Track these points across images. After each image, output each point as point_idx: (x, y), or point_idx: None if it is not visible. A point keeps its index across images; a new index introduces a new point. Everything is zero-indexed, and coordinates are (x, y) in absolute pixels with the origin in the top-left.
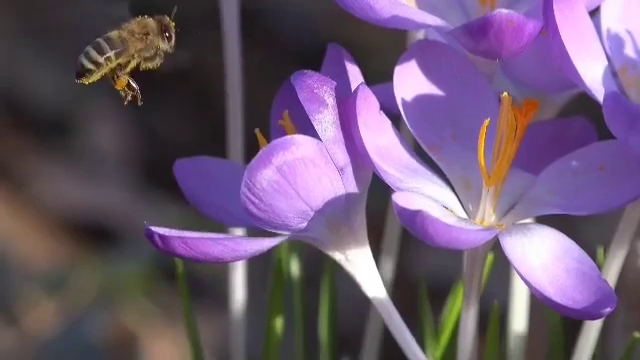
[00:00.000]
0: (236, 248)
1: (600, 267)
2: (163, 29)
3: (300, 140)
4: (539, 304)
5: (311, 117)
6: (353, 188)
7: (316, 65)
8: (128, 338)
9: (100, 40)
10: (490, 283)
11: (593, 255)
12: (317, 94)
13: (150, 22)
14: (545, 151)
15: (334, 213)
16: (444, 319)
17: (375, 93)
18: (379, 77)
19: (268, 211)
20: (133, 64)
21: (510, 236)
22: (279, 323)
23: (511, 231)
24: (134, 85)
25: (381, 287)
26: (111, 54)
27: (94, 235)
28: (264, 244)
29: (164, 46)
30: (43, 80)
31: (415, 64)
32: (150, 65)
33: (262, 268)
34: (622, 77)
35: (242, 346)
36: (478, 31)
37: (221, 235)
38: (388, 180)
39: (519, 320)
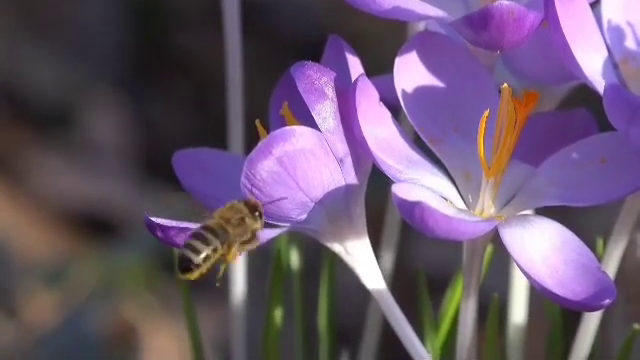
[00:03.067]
0: None
1: (600, 259)
2: (253, 209)
3: (300, 131)
4: (539, 296)
5: (310, 108)
6: (353, 179)
7: (316, 57)
8: (128, 330)
9: (201, 231)
10: (490, 275)
11: (593, 247)
12: (316, 85)
13: (240, 206)
14: (545, 143)
15: (334, 204)
16: (443, 311)
17: (375, 84)
18: (379, 68)
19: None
20: (234, 251)
21: (509, 227)
22: (278, 315)
23: (510, 222)
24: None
25: (380, 279)
26: (217, 244)
27: (94, 227)
28: (264, 235)
29: (257, 226)
30: (43, 73)
31: (415, 55)
32: (247, 247)
33: (262, 260)
34: (623, 69)
35: (242, 337)
36: (479, 22)
37: None
38: (387, 171)
39: (518, 312)
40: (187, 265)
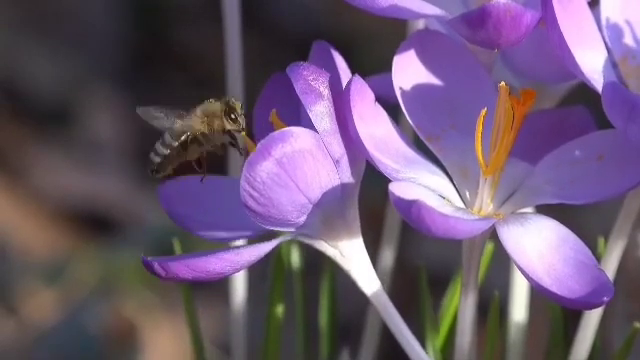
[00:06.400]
0: (236, 260)
1: (600, 257)
2: (228, 111)
3: (298, 132)
4: (539, 294)
5: (307, 109)
6: (348, 180)
7: None
8: (128, 328)
9: (165, 134)
10: (490, 272)
11: (593, 245)
12: (313, 86)
13: (214, 105)
14: (543, 140)
15: (330, 206)
16: (444, 308)
17: (373, 83)
18: (378, 66)
19: (268, 205)
20: (201, 148)
21: (507, 226)
22: (279, 313)
23: (508, 221)
24: (203, 164)
25: (376, 281)
26: (175, 144)
27: (93, 224)
28: (262, 249)
29: (232, 127)
30: (43, 69)
31: (414, 54)
32: (218, 147)
33: (262, 259)
34: (621, 67)
35: (242, 336)
36: (476, 21)
37: (218, 249)
38: (385, 170)
39: (519, 310)
40: (152, 167)
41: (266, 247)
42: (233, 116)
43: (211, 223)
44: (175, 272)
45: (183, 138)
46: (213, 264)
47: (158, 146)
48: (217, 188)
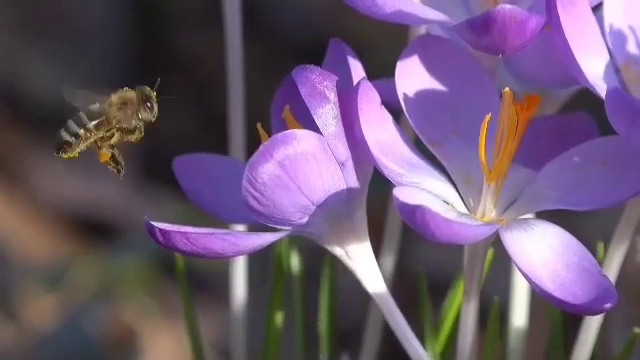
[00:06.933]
0: (237, 243)
1: (600, 263)
2: (144, 99)
3: (301, 134)
4: (539, 299)
5: (312, 112)
6: (354, 183)
7: (317, 59)
8: (127, 333)
9: (80, 113)
10: (490, 279)
11: (593, 251)
12: (319, 89)
13: (130, 93)
14: (546, 146)
15: (335, 208)
16: (444, 314)
17: (376, 88)
18: (381, 71)
19: (269, 206)
20: (116, 137)
21: (511, 231)
22: (279, 317)
23: (512, 226)
24: (119, 159)
25: (381, 282)
26: (90, 125)
27: (93, 230)
28: (265, 239)
29: (146, 116)
30: (42, 74)
31: (417, 59)
32: (132, 137)
33: (262, 262)
34: (624, 73)
35: (242, 341)
36: (481, 26)
37: (222, 230)
38: (389, 175)
39: (519, 315)
40: (59, 142)
41: (269, 237)
42: (149, 104)
43: (222, 202)
44: (174, 242)
45: (99, 120)
46: (213, 242)
47: (71, 124)
48: (231, 168)
